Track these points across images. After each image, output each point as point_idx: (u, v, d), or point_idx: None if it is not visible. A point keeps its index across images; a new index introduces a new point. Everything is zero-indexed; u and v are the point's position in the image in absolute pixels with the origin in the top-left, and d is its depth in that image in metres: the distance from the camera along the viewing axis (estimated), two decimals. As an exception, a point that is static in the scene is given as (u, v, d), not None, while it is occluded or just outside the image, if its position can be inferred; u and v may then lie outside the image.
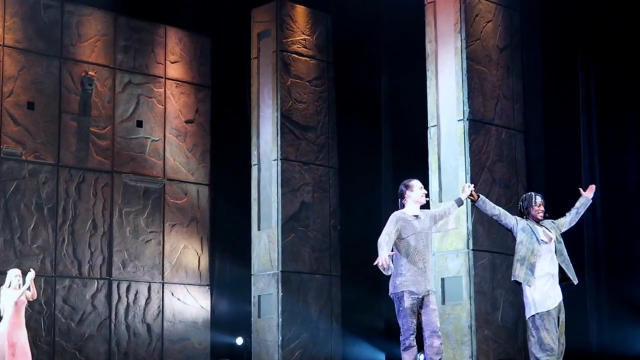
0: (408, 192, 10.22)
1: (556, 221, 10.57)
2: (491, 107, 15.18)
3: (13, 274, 13.67)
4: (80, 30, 18.37)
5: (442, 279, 14.69)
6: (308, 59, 18.43)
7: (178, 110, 19.58)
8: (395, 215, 9.97)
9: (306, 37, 18.45)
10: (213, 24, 19.92)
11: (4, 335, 13.38)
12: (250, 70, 18.71)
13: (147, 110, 19.13)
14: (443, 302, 14.67)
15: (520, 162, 15.50)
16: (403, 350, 9.87)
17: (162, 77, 19.41)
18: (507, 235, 14.74)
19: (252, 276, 17.98)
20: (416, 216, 10.03)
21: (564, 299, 10.28)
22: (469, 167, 14.66)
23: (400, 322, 9.90)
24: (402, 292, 9.80)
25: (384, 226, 16.70)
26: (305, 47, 18.42)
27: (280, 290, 17.36)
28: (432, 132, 15.25)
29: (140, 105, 19.04)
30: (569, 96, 15.29)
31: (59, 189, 17.73)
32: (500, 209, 10.44)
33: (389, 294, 10.06)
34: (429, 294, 9.87)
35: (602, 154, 14.89)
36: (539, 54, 15.90)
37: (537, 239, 10.28)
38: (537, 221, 10.44)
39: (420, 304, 9.85)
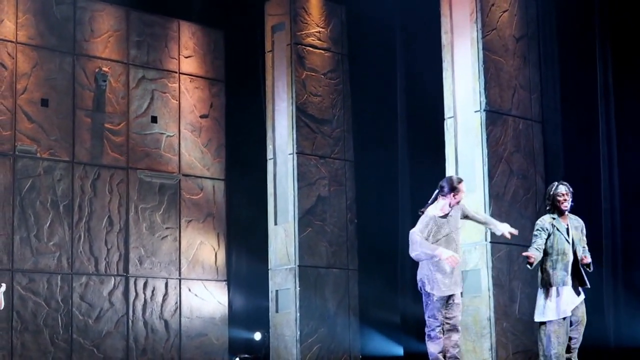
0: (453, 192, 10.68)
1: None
2: (508, 98, 15.07)
3: None
4: (92, 26, 18.31)
5: (461, 272, 14.57)
6: (323, 52, 18.33)
7: (192, 105, 19.52)
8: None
9: (320, 29, 18.35)
10: (226, 18, 19.83)
11: None
12: (264, 64, 18.63)
13: (162, 106, 19.07)
14: (462, 295, 14.54)
15: (538, 153, 15.38)
16: (430, 340, 9.98)
17: (176, 72, 19.35)
18: (525, 227, 14.73)
19: (269, 271, 17.92)
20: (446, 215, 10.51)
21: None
22: (487, 159, 14.57)
23: (427, 314, 10.03)
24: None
25: (400, 220, 16.69)
26: (319, 39, 18.31)
27: (297, 285, 17.30)
28: (448, 124, 15.16)
29: (155, 101, 18.98)
30: (586, 86, 15.15)
31: (74, 186, 17.69)
32: (539, 244, 10.33)
33: (419, 287, 10.21)
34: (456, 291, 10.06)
35: (620, 143, 14.74)
36: (556, 43, 15.75)
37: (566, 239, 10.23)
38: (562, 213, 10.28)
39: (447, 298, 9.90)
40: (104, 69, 18.18)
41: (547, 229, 10.32)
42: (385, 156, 17.66)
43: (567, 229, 10.35)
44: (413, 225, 17.00)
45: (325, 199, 17.89)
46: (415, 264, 16.80)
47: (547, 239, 10.29)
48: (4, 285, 13.81)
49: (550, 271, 10.28)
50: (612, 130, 14.78)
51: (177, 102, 19.29)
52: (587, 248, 10.54)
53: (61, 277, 17.31)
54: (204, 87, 19.79)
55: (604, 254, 14.37)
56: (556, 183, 10.52)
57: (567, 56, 15.59)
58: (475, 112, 14.77)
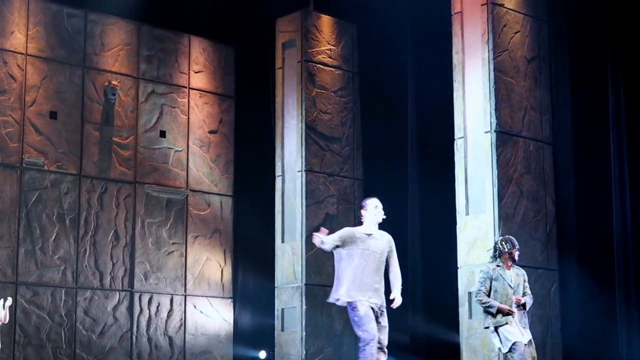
0: (363, 212, 10.68)
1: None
2: (519, 119, 14.99)
3: None
4: (103, 40, 18.28)
5: (469, 293, 14.50)
6: (333, 69, 18.27)
7: (202, 121, 19.47)
8: (347, 229, 10.58)
9: (331, 47, 18.30)
10: (237, 34, 19.79)
11: None
12: (274, 81, 18.58)
13: (171, 120, 19.01)
14: (470, 317, 14.48)
15: (549, 174, 15.29)
16: (363, 357, 10.09)
17: (185, 87, 19.31)
18: (535, 249, 14.64)
19: (276, 289, 17.82)
20: (369, 235, 10.40)
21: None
22: (496, 180, 14.48)
23: (358, 330, 10.16)
24: (355, 301, 10.12)
25: (410, 240, 16.59)
26: (330, 57, 18.26)
27: (304, 304, 17.18)
28: (459, 144, 15.08)
29: (164, 115, 18.93)
30: (598, 108, 15.09)
31: (80, 200, 17.63)
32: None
33: (339, 303, 10.25)
34: (382, 312, 10.23)
35: (632, 166, 14.67)
36: (567, 65, 15.69)
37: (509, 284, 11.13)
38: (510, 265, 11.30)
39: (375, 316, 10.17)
40: (114, 82, 18.15)
41: (492, 276, 11.18)
42: (394, 175, 17.57)
43: (510, 276, 11.21)
44: (422, 245, 16.99)
45: (334, 217, 17.79)
46: (426, 283, 16.78)
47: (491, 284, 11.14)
48: (9, 299, 13.86)
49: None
50: (623, 152, 14.69)
51: (186, 117, 19.24)
52: (529, 294, 11.36)
53: (65, 291, 17.23)
54: (214, 103, 19.73)
55: (617, 275, 14.28)
56: (507, 237, 11.45)
57: (578, 78, 15.53)
58: (486, 132, 14.70)
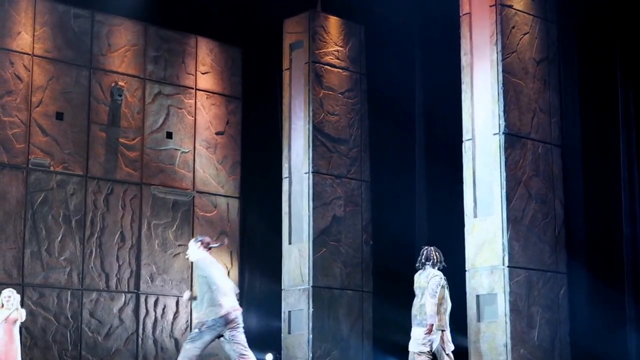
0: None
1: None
2: (527, 121, 14.90)
3: (3, 295, 13.92)
4: (110, 40, 18.23)
5: (477, 296, 14.42)
6: (341, 71, 18.19)
7: (208, 122, 19.41)
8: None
9: (339, 48, 18.22)
10: (244, 35, 19.74)
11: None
12: (281, 82, 18.51)
13: (177, 122, 18.96)
14: (478, 320, 14.39)
15: (558, 177, 15.19)
16: None
17: (192, 88, 19.26)
18: (544, 251, 14.55)
19: (283, 291, 17.75)
20: None
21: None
22: (505, 182, 14.38)
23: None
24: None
25: (417, 242, 16.54)
26: (337, 58, 18.19)
27: (310, 306, 17.11)
28: (467, 146, 14.99)
29: (170, 117, 18.88)
30: (607, 110, 14.99)
31: (87, 201, 17.58)
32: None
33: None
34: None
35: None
36: (577, 67, 15.60)
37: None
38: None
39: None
40: (120, 83, 18.10)
41: (443, 285, 11.88)
42: (402, 177, 17.50)
43: None
44: (429, 246, 16.89)
45: (341, 219, 17.72)
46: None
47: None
48: (17, 296, 13.90)
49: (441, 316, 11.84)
50: (633, 155, 14.61)
51: (193, 118, 19.19)
52: None
53: (71, 292, 17.18)
54: (221, 104, 19.68)
55: (626, 278, 14.21)
56: (435, 247, 12.17)
57: (587, 80, 15.43)
58: (494, 135, 14.61)
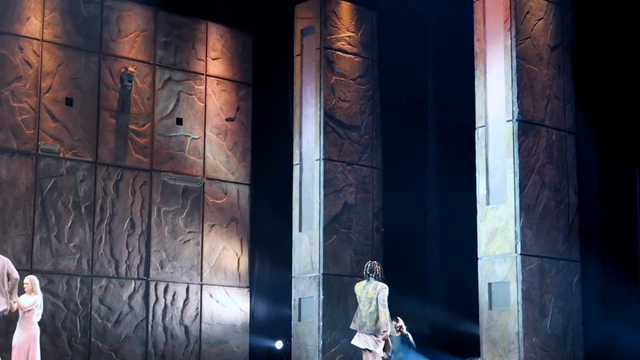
0: None
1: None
2: (541, 108, 14.79)
3: (24, 281, 13.85)
4: (120, 26, 18.12)
5: (489, 284, 14.34)
6: (352, 57, 18.06)
7: (219, 108, 19.31)
8: None
9: (351, 34, 18.08)
10: (255, 20, 19.61)
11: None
12: (293, 68, 18.41)
13: (187, 108, 18.86)
14: (490, 308, 14.31)
15: (571, 164, 15.08)
16: None
17: (202, 74, 19.14)
18: (557, 240, 14.45)
19: (293, 279, 17.68)
20: None
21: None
22: (518, 169, 14.30)
23: None
24: None
25: (429, 230, 16.48)
26: (349, 44, 18.05)
27: (321, 294, 17.02)
28: (479, 133, 14.90)
29: (181, 103, 18.77)
30: (622, 96, 14.85)
31: (96, 187, 17.50)
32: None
33: None
34: None
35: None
36: (592, 53, 15.44)
37: None
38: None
39: None
40: (130, 69, 17.99)
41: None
42: (413, 164, 17.42)
43: None
44: (442, 236, 16.86)
45: (352, 206, 17.61)
46: (445, 274, 16.63)
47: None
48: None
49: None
50: (648, 143, 14.50)
51: (203, 104, 19.08)
52: None
53: (81, 279, 17.11)
54: (231, 90, 19.57)
55: (640, 267, 14.15)
56: (377, 262, 12.96)
57: (602, 66, 15.28)
58: (507, 121, 14.52)
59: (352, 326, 12.70)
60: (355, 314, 12.71)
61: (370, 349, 12.58)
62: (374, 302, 12.49)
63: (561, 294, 14.28)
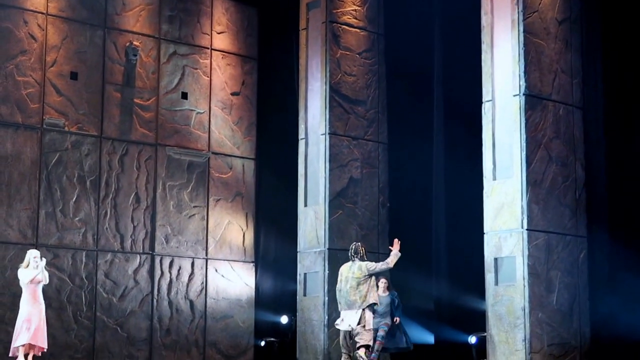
0: None
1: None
2: (548, 82, 14.68)
3: (32, 255, 13.93)
4: (124, -1, 18.06)
5: (495, 259, 14.28)
6: (358, 31, 17.95)
7: (224, 82, 19.24)
8: None
9: (356, 7, 17.96)
10: (260, -6, 19.55)
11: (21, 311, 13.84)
12: (298, 42, 18.30)
13: (193, 82, 18.80)
14: (496, 283, 14.26)
15: (579, 139, 14.98)
16: None
17: (207, 48, 19.07)
18: (564, 215, 14.38)
19: (298, 253, 17.62)
20: None
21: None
22: (525, 144, 14.20)
23: None
24: None
25: (435, 205, 16.38)
26: (355, 18, 17.94)
27: (326, 268, 16.98)
28: (486, 107, 14.81)
29: (186, 77, 18.71)
30: (630, 71, 14.75)
31: (101, 162, 17.47)
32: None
33: None
34: None
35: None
36: (600, 27, 15.34)
37: None
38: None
39: None
40: (135, 43, 17.93)
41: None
42: (420, 139, 17.32)
43: None
44: (448, 211, 16.78)
45: (357, 181, 17.55)
46: (451, 249, 16.58)
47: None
48: (44, 259, 13.81)
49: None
50: (656, 118, 14.42)
51: (209, 78, 19.02)
52: None
53: (86, 253, 17.12)
54: (236, 64, 19.49)
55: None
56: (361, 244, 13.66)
57: (610, 40, 15.18)
58: (514, 96, 14.42)
59: (339, 314, 13.30)
60: (338, 301, 13.32)
61: (362, 324, 13.01)
62: (362, 280, 13.07)
63: (567, 270, 14.21)
